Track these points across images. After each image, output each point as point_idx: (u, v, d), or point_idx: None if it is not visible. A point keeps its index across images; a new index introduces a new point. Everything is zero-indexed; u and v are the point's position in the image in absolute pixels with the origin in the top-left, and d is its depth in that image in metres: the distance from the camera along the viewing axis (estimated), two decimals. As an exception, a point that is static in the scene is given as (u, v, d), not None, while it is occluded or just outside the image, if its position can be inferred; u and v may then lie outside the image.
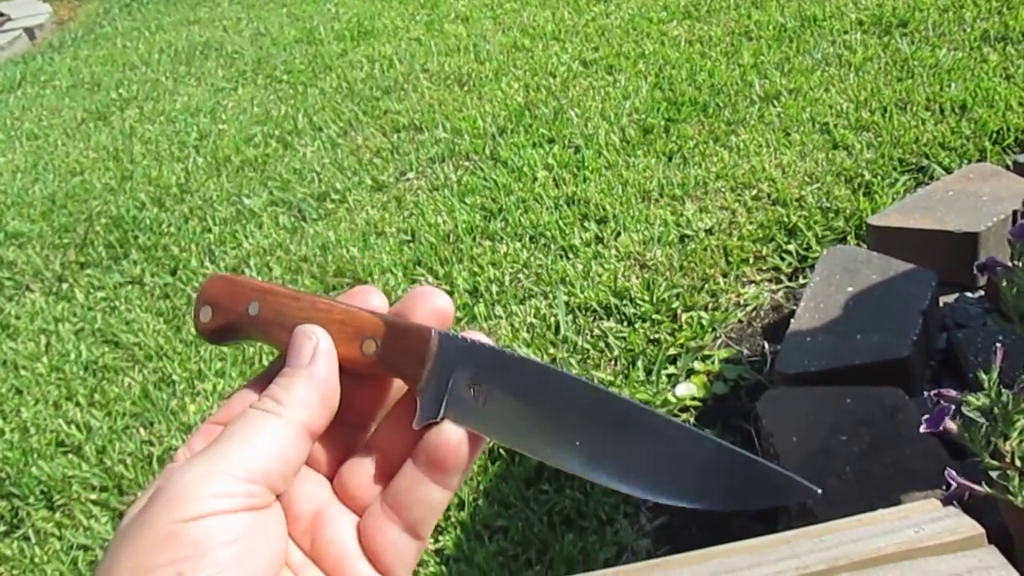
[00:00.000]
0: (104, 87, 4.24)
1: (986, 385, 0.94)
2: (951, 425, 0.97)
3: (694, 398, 1.68)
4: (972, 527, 0.74)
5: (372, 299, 0.39)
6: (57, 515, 1.77)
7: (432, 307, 0.38)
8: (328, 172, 2.82)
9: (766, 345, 1.77)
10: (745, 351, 1.77)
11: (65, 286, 2.59)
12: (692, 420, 1.63)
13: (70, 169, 3.37)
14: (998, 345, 0.96)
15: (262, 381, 0.38)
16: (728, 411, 1.64)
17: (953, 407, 0.97)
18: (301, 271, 2.33)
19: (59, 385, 2.16)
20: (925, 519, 0.76)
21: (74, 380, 2.16)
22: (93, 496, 1.79)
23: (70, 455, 1.91)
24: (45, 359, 2.26)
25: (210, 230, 2.67)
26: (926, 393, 1.00)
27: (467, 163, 2.67)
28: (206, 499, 0.32)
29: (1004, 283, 1.06)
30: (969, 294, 1.64)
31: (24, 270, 2.72)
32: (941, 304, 1.61)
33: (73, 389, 2.12)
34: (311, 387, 0.36)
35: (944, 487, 0.94)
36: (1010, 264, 1.04)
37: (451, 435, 0.36)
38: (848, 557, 0.74)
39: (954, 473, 0.91)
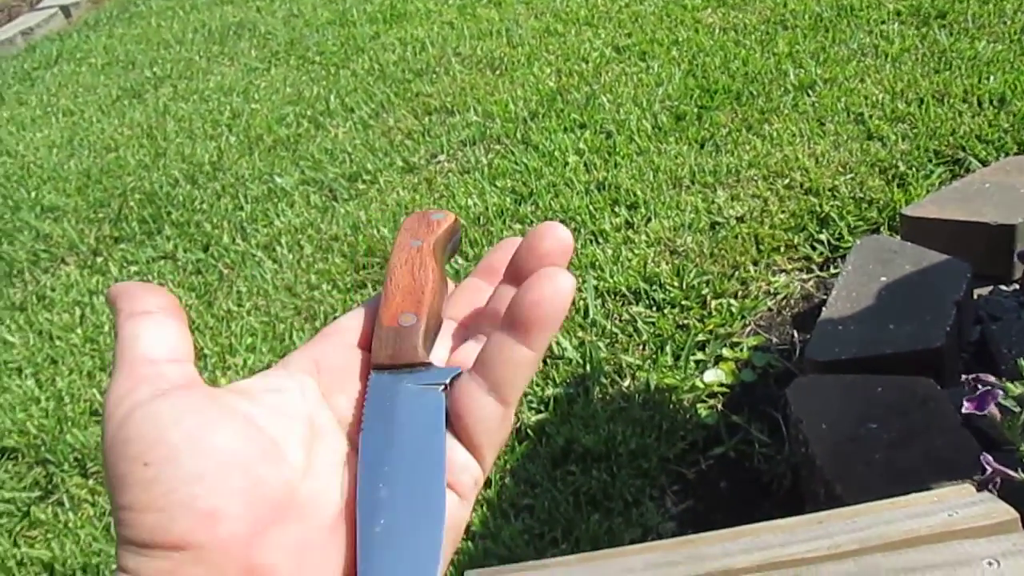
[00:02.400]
0: (139, 65, 4.27)
1: None
2: (994, 410, 0.97)
3: (722, 384, 1.68)
4: (1007, 512, 0.74)
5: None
6: (90, 482, 1.81)
7: (553, 240, 0.38)
8: (359, 153, 2.83)
9: (795, 334, 1.76)
10: (774, 339, 1.77)
11: (99, 260, 2.63)
12: (720, 406, 1.63)
13: (105, 145, 3.41)
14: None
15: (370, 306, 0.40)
16: (756, 398, 1.64)
17: (1000, 391, 0.97)
18: (332, 250, 2.35)
19: (93, 356, 2.20)
20: (959, 503, 0.77)
21: (108, 351, 2.19)
22: (126, 465, 1.82)
23: (103, 424, 1.95)
24: (80, 330, 2.30)
25: (242, 208, 2.69)
26: (964, 377, 1.00)
27: (498, 146, 2.67)
28: (124, 397, 0.33)
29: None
30: (1004, 287, 1.63)
31: (60, 243, 2.76)
32: (975, 296, 1.60)
33: (107, 360, 2.16)
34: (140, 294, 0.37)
35: (979, 472, 0.94)
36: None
37: (550, 283, 0.35)
38: (880, 538, 0.74)
39: (991, 459, 0.91)
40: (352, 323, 0.39)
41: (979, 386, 0.99)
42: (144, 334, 0.35)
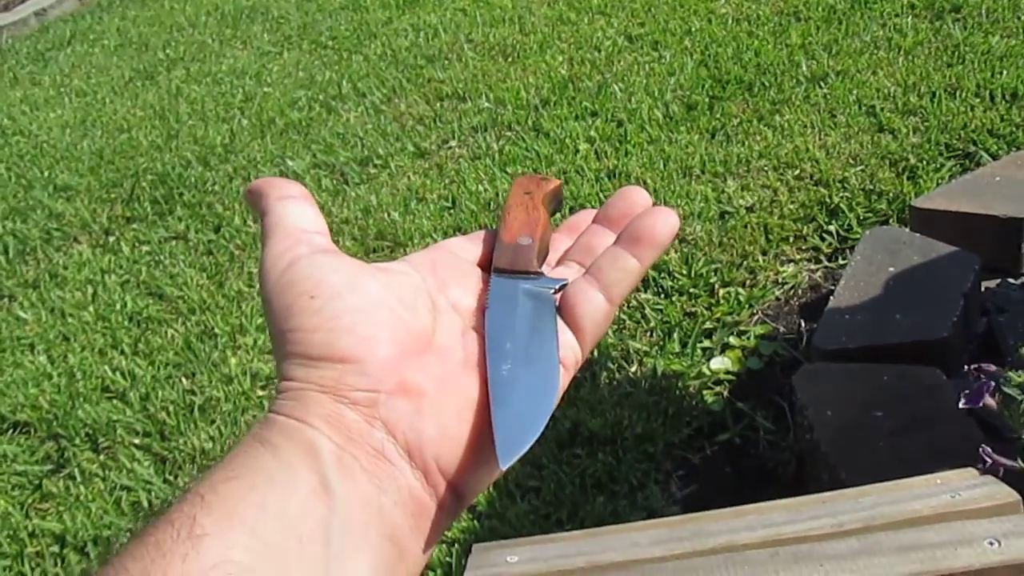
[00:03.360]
0: (151, 47, 4.29)
1: (1028, 361, 0.95)
2: (990, 401, 0.98)
3: (728, 372, 1.69)
4: (1009, 494, 0.75)
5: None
6: (101, 457, 1.83)
7: (632, 202, 0.44)
8: (371, 138, 2.85)
9: (802, 323, 1.77)
10: (781, 328, 1.78)
11: (112, 239, 2.65)
12: (726, 393, 1.64)
13: (118, 126, 3.43)
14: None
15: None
16: (762, 386, 1.65)
17: (993, 383, 0.98)
18: (343, 233, 2.36)
19: (104, 334, 2.22)
20: (962, 485, 0.78)
21: (119, 329, 2.21)
22: (136, 440, 1.84)
23: (114, 400, 1.97)
24: (91, 308, 2.32)
25: (253, 190, 2.70)
26: (966, 368, 1.01)
27: (509, 133, 2.68)
28: (285, 252, 0.39)
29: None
30: (1012, 280, 1.63)
31: (72, 222, 2.78)
32: (983, 288, 1.61)
33: (118, 338, 2.18)
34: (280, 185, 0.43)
35: (980, 464, 0.95)
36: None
37: (662, 217, 0.42)
38: (884, 517, 0.76)
39: (989, 450, 0.92)
40: (463, 244, 0.45)
41: (981, 376, 1.00)
42: (294, 211, 0.41)
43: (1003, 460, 0.92)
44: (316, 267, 0.38)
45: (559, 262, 0.45)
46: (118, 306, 2.30)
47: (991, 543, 0.69)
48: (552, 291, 0.42)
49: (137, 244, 2.60)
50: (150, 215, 2.72)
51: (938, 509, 0.75)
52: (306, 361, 0.36)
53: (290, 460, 0.34)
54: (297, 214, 0.40)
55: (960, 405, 0.99)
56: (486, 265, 0.45)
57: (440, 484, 0.36)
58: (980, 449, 0.93)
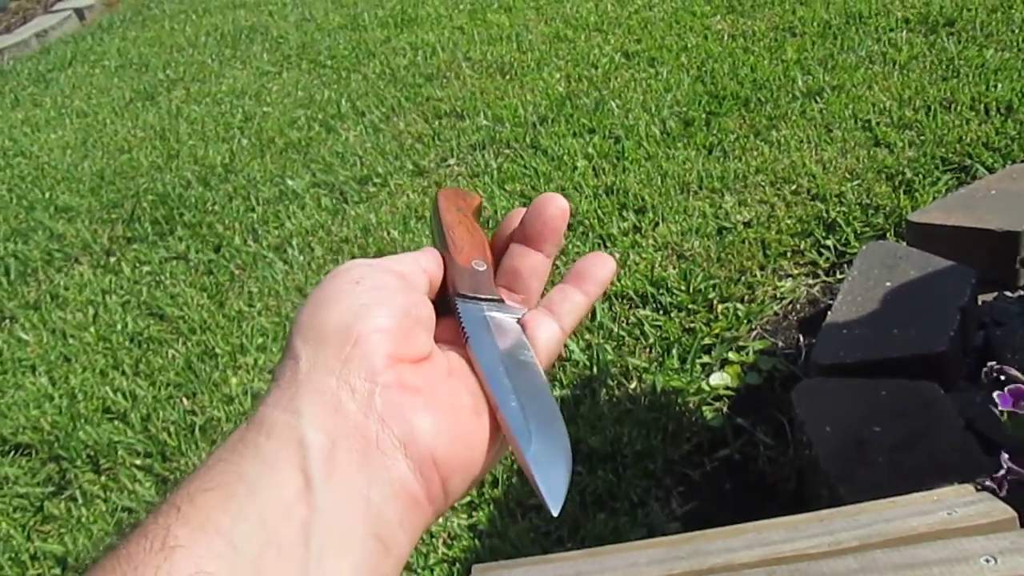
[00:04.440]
0: (152, 68, 4.31)
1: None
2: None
3: (727, 388, 1.69)
4: (1004, 511, 0.76)
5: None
6: (103, 478, 1.83)
7: (551, 212, 0.47)
8: (370, 156, 2.86)
9: (801, 338, 1.78)
10: (780, 343, 1.79)
11: (112, 259, 2.66)
12: (725, 409, 1.65)
13: (118, 147, 3.45)
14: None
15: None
16: (761, 401, 1.65)
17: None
18: (342, 252, 2.37)
19: (106, 354, 2.22)
20: (958, 502, 0.78)
21: (120, 350, 2.22)
22: (137, 461, 1.84)
23: (116, 421, 1.97)
24: (92, 329, 2.33)
25: (253, 209, 2.72)
26: (987, 366, 1.01)
27: (507, 151, 2.69)
28: (356, 263, 0.43)
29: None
30: (1008, 293, 1.64)
31: (73, 243, 2.79)
32: (979, 302, 1.61)
33: (119, 359, 2.18)
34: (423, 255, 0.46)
35: (986, 471, 0.95)
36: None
37: (600, 261, 0.47)
38: (881, 535, 0.76)
39: (1007, 456, 0.93)
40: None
41: (1000, 376, 1.01)
42: (402, 260, 0.45)
43: (1018, 469, 0.92)
44: (378, 272, 0.42)
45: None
46: (119, 327, 2.31)
47: (987, 560, 0.70)
48: (516, 320, 0.45)
49: (138, 264, 2.61)
50: (151, 235, 2.73)
51: (935, 526, 0.75)
52: (320, 337, 0.38)
53: (273, 461, 0.34)
54: (400, 258, 0.45)
55: (1000, 407, 0.99)
56: (435, 287, 0.47)
57: (433, 477, 0.37)
58: (1000, 455, 0.94)
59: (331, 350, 0.38)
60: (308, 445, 0.35)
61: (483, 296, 0.45)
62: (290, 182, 2.81)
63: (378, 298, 0.40)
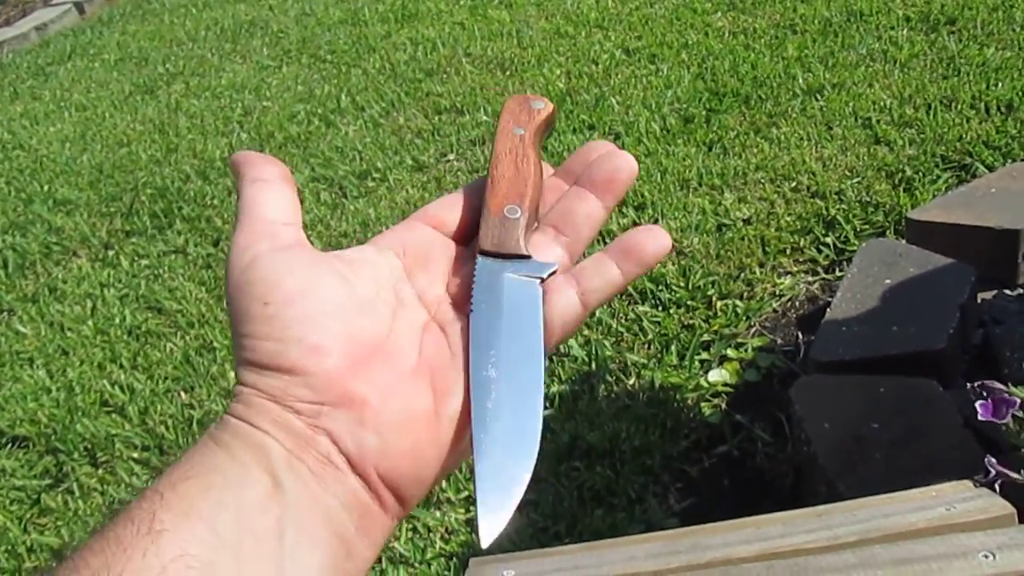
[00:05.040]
0: (151, 62, 4.31)
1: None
2: (1008, 418, 0.98)
3: (726, 384, 1.69)
4: (1004, 507, 0.75)
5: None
6: (100, 471, 1.83)
7: (618, 164, 0.44)
8: (369, 151, 2.86)
9: (800, 335, 1.78)
10: (779, 340, 1.79)
11: (111, 253, 2.66)
12: (723, 406, 1.65)
13: (117, 140, 3.44)
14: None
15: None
16: (759, 398, 1.65)
17: (1018, 400, 0.98)
18: (341, 246, 2.36)
19: (104, 348, 2.22)
20: (957, 498, 0.78)
21: (118, 343, 2.22)
22: (135, 455, 1.84)
23: (113, 415, 1.97)
24: (91, 322, 2.33)
25: (252, 204, 2.71)
26: (968, 385, 1.01)
27: (507, 146, 2.69)
28: (247, 248, 0.39)
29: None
30: (1008, 291, 1.64)
31: (72, 236, 2.79)
32: (979, 300, 1.61)
33: (117, 352, 2.18)
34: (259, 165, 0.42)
35: (983, 474, 0.95)
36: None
37: (653, 235, 0.43)
38: (880, 530, 0.76)
39: (994, 461, 0.92)
40: (442, 211, 0.45)
41: (984, 393, 1.01)
42: (263, 198, 0.41)
43: (1006, 471, 0.92)
44: (274, 268, 0.38)
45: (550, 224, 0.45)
46: (117, 320, 2.30)
47: (986, 556, 0.70)
48: (539, 281, 0.41)
49: (136, 258, 2.60)
50: (149, 229, 2.73)
51: (933, 522, 0.75)
52: (258, 369, 0.37)
53: (244, 460, 0.35)
54: (267, 202, 0.40)
55: (980, 417, 0.99)
56: (466, 236, 0.43)
57: (382, 491, 0.37)
58: (985, 460, 0.94)
59: (268, 381, 0.37)
60: (269, 453, 0.36)
61: (507, 252, 0.41)
62: (289, 176, 2.81)
63: (295, 314, 0.37)
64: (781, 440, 1.55)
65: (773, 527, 0.79)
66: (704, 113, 2.58)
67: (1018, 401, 0.91)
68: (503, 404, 0.38)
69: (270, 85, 3.64)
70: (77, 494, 1.78)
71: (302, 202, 2.46)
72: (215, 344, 2.11)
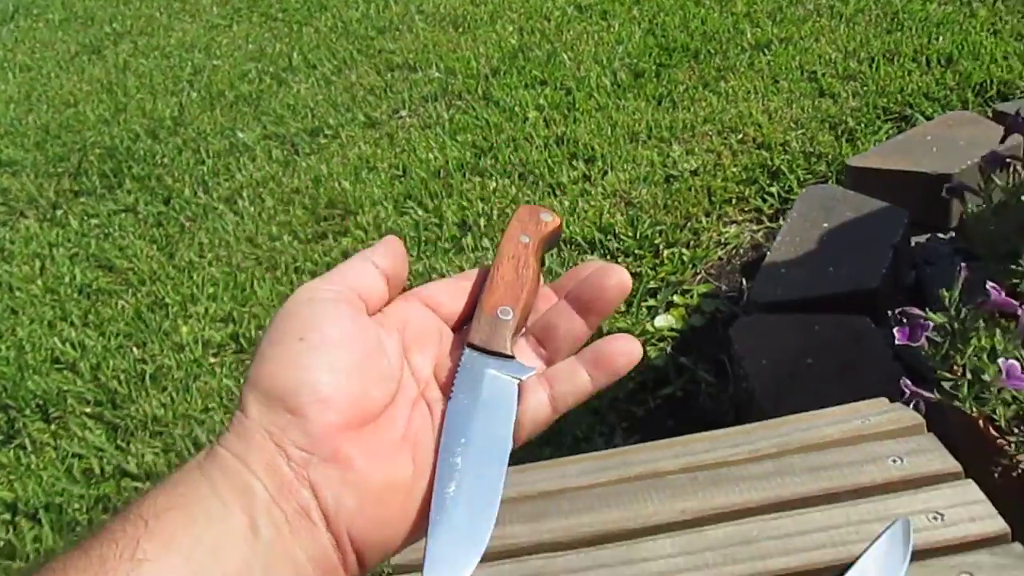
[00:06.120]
0: (97, 21, 4.22)
1: (947, 303, 0.99)
2: (924, 341, 1.02)
3: (672, 329, 1.73)
4: (914, 418, 0.80)
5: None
6: (52, 427, 1.83)
7: (611, 282, 0.45)
8: (321, 108, 2.84)
9: (744, 282, 1.82)
10: (723, 287, 1.83)
11: (59, 213, 2.62)
12: (669, 349, 1.69)
13: (64, 101, 3.38)
14: (963, 264, 1.01)
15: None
16: (704, 341, 1.69)
17: (931, 324, 1.03)
18: (293, 202, 2.37)
19: (53, 306, 2.20)
20: (872, 412, 0.82)
21: (68, 302, 2.20)
22: (87, 409, 1.84)
23: (65, 371, 1.96)
24: (40, 282, 2.30)
25: (203, 162, 2.70)
26: (890, 312, 1.05)
27: (459, 102, 2.69)
28: (308, 295, 0.42)
29: (968, 208, 1.11)
30: (941, 235, 1.69)
31: (18, 197, 2.75)
32: (913, 244, 1.67)
33: (67, 310, 2.17)
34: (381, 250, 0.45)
35: (899, 396, 1.00)
36: (977, 187, 1.10)
37: (624, 347, 0.44)
38: (798, 443, 0.80)
39: (909, 382, 0.97)
40: (442, 296, 0.46)
41: (905, 320, 1.05)
42: (355, 266, 0.44)
43: (920, 391, 0.97)
44: (324, 314, 0.41)
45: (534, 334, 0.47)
46: (67, 279, 2.28)
47: (894, 461, 0.74)
48: (517, 382, 0.43)
49: (86, 218, 2.57)
50: (98, 188, 2.69)
51: (848, 433, 0.79)
52: (264, 400, 0.39)
53: (226, 498, 0.36)
54: (354, 270, 0.44)
55: (896, 342, 1.03)
56: (461, 324, 0.46)
57: (348, 552, 0.39)
58: (900, 381, 0.98)
59: (272, 415, 0.39)
60: (256, 496, 0.37)
61: (493, 350, 0.43)
62: (240, 134, 2.79)
63: (324, 362, 0.39)
64: (723, 381, 1.59)
65: (698, 444, 0.83)
66: (654, 68, 2.60)
67: (931, 325, 0.95)
68: (462, 494, 0.40)
69: (220, 44, 3.59)
70: (29, 449, 1.78)
71: (253, 159, 2.45)
72: (167, 300, 2.10)
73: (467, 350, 0.43)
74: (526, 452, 1.35)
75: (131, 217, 2.52)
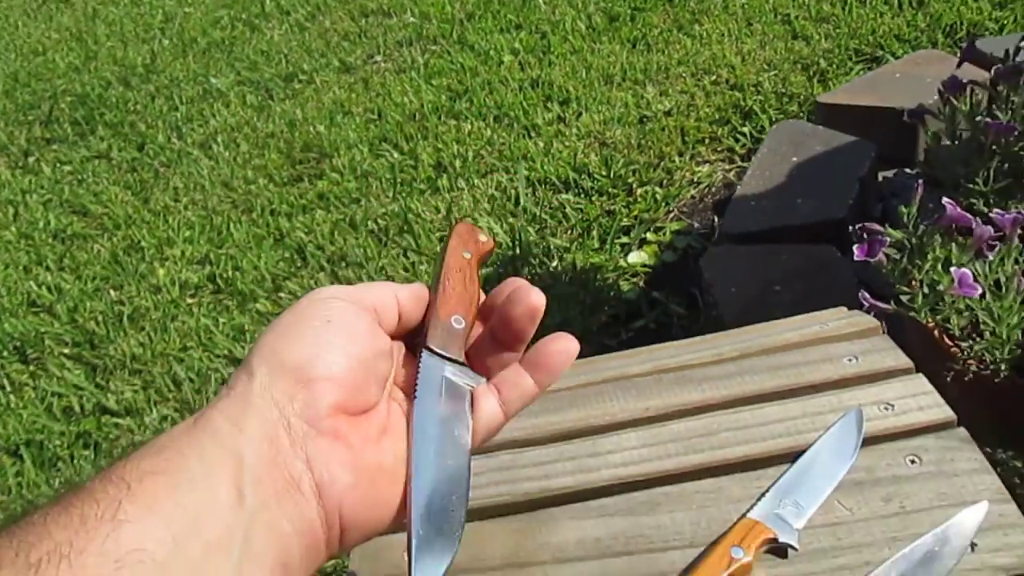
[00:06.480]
0: (65, -31, 4.14)
1: (906, 219, 1.02)
2: (882, 256, 1.05)
3: (645, 265, 1.76)
4: (871, 321, 0.82)
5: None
6: (31, 367, 1.84)
7: (519, 312, 0.47)
8: (295, 54, 2.82)
9: (716, 219, 1.84)
10: (696, 224, 1.85)
11: (31, 160, 2.60)
12: (642, 284, 1.71)
13: (32, 49, 3.33)
14: (920, 182, 1.04)
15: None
16: (676, 276, 1.72)
17: (888, 239, 1.06)
18: (268, 146, 2.36)
19: (28, 251, 2.20)
20: (831, 319, 0.85)
21: (43, 247, 2.19)
22: (65, 350, 1.85)
23: (41, 314, 1.97)
24: (13, 228, 2.29)
25: (177, 108, 2.68)
26: (851, 228, 1.08)
27: (434, 47, 2.68)
28: (332, 293, 0.45)
29: (929, 131, 1.14)
30: (908, 170, 1.72)
31: (-11, 144, 2.72)
32: (881, 179, 1.70)
33: (42, 255, 2.16)
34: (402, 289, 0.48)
35: (860, 309, 1.03)
36: (937, 111, 1.12)
37: (560, 346, 0.48)
38: (759, 347, 0.82)
39: (867, 294, 1.00)
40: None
41: (866, 234, 1.08)
42: (379, 292, 0.46)
43: (877, 303, 1.00)
44: (348, 309, 0.44)
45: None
46: (41, 224, 2.28)
47: (850, 360, 0.77)
48: (471, 389, 0.46)
49: (58, 164, 2.55)
50: (71, 136, 2.67)
51: (807, 337, 0.82)
52: (279, 367, 0.40)
53: (213, 466, 0.37)
54: (378, 290, 0.46)
55: (855, 257, 1.06)
56: (409, 332, 0.48)
57: (335, 527, 0.40)
58: (860, 294, 1.01)
59: (283, 383, 0.40)
60: (245, 464, 0.37)
61: (449, 356, 0.46)
62: (214, 81, 2.76)
63: (342, 344, 0.42)
64: (695, 313, 1.62)
65: (664, 351, 0.86)
66: (629, 11, 2.60)
67: (889, 240, 0.98)
68: (437, 484, 0.43)
69: (191, -9, 3.54)
70: (8, 389, 1.79)
71: (227, 105, 2.44)
72: (143, 244, 2.10)
73: (425, 353, 0.46)
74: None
75: (104, 163, 2.51)
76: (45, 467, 1.59)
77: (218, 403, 0.39)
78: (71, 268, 2.10)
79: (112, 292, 1.99)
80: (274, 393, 0.39)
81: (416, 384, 0.45)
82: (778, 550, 0.60)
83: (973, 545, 0.59)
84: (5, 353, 1.88)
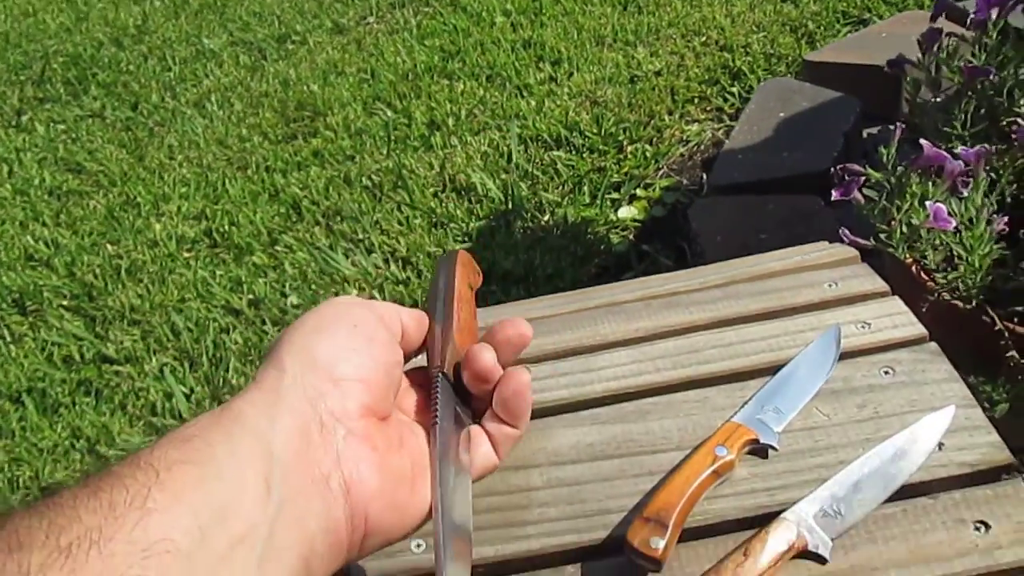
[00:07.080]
0: (53, -69, 4.11)
1: (885, 159, 1.06)
2: (859, 196, 1.09)
3: (634, 220, 1.80)
4: (849, 251, 0.87)
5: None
6: (30, 319, 1.86)
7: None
8: (288, 15, 2.83)
9: (704, 176, 1.88)
10: (685, 181, 1.89)
11: (25, 119, 2.61)
12: (631, 237, 1.75)
13: (22, 10, 3.32)
14: (899, 124, 1.08)
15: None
16: (664, 230, 1.76)
17: (863, 179, 1.09)
18: (262, 105, 2.38)
19: (24, 207, 2.22)
20: (813, 250, 0.89)
21: (39, 203, 2.21)
22: (64, 303, 1.88)
23: (40, 268, 1.99)
24: (8, 185, 2.31)
25: (170, 69, 2.69)
26: (832, 169, 1.12)
27: (427, 8, 2.70)
28: (352, 300, 0.48)
29: (909, 78, 1.17)
30: (891, 127, 1.76)
31: (-19, 103, 2.73)
32: (865, 136, 1.74)
33: (39, 211, 2.18)
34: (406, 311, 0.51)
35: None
36: (916, 61, 1.16)
37: (514, 383, 0.50)
38: (744, 275, 0.87)
39: (847, 231, 1.04)
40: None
41: (845, 176, 1.12)
42: (386, 309, 0.49)
43: (857, 240, 1.04)
44: (373, 319, 0.46)
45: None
46: (36, 181, 2.29)
47: (829, 285, 0.81)
48: (468, 427, 0.50)
49: (52, 123, 2.57)
50: (63, 95, 2.68)
51: (789, 266, 0.86)
52: (310, 364, 0.42)
53: (242, 458, 0.37)
54: (386, 308, 0.49)
55: (832, 199, 1.10)
56: (415, 350, 0.51)
57: (359, 529, 0.40)
58: (840, 230, 1.05)
59: (315, 379, 0.41)
60: (275, 457, 0.37)
61: (461, 391, 0.50)
62: (206, 41, 2.77)
63: (370, 350, 0.44)
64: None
65: (654, 280, 0.89)
66: (620, -26, 2.62)
67: (863, 179, 1.02)
68: (455, 504, 0.46)
69: (182, -47, 3.53)
70: (8, 340, 1.82)
71: (220, 65, 2.45)
72: (139, 200, 2.13)
73: (442, 378, 0.49)
74: (500, 291, 1.41)
75: (98, 122, 2.52)
76: (47, 413, 1.62)
77: (246, 394, 0.40)
78: (67, 224, 2.12)
79: (109, 247, 2.01)
80: (307, 388, 0.40)
81: (436, 405, 0.48)
82: (759, 451, 0.64)
83: (940, 444, 0.63)
84: (4, 305, 1.90)
